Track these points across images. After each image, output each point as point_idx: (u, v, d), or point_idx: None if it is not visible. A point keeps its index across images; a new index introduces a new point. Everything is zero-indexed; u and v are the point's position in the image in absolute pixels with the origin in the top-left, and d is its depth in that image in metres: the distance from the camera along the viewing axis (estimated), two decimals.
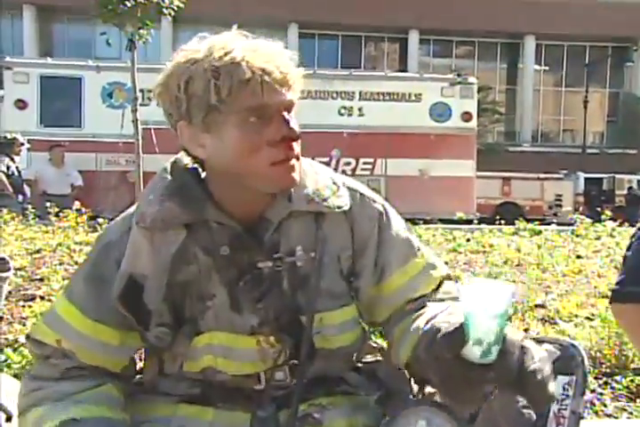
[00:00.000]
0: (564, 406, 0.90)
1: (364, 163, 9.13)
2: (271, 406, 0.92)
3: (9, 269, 1.12)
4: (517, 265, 3.90)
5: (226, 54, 0.79)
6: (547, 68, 21.60)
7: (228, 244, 0.88)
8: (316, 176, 0.95)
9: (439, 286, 0.97)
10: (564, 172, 14.53)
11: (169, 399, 0.94)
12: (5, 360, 1.87)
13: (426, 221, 6.55)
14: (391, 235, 0.96)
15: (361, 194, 0.98)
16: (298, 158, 0.86)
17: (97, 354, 0.91)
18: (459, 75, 9.64)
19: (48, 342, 0.91)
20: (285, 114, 0.83)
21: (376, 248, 0.95)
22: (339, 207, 0.92)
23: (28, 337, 0.95)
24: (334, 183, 0.95)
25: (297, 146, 0.86)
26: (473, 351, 0.73)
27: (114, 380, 0.93)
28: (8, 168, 6.55)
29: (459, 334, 0.71)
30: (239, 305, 0.90)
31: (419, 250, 0.98)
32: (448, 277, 1.00)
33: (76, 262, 3.25)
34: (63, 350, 0.90)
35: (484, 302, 0.73)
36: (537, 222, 6.14)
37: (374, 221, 0.96)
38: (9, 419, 1.17)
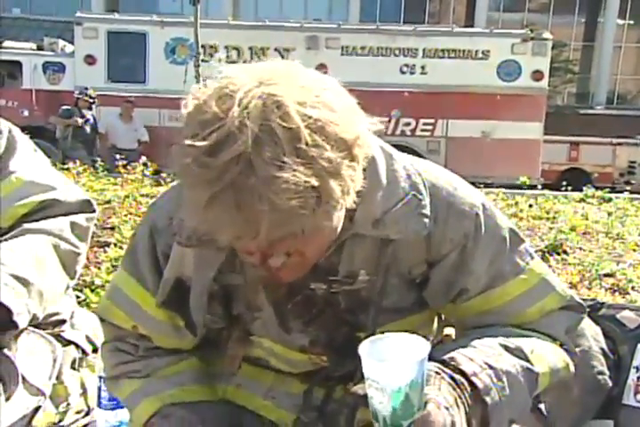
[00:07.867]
0: None
1: (425, 124, 8.84)
2: (328, 382, 0.90)
3: (94, 211, 1.17)
4: (584, 233, 3.73)
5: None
6: (631, 22, 19.78)
7: None
8: (388, 183, 0.76)
9: (545, 315, 0.83)
10: None
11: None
12: (85, 300, 2.04)
13: (486, 185, 6.35)
14: (475, 260, 0.80)
15: (449, 203, 0.80)
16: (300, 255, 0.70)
17: (172, 339, 0.91)
18: (531, 30, 9.06)
19: (124, 327, 0.92)
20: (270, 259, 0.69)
21: (451, 269, 0.81)
22: (414, 232, 0.77)
23: (102, 320, 0.94)
24: (415, 189, 0.78)
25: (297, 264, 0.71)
26: (374, 424, 0.62)
27: (192, 353, 0.94)
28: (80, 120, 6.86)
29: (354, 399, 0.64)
30: (287, 325, 0.86)
31: (517, 274, 0.82)
32: (570, 308, 0.85)
33: (144, 213, 3.39)
34: (139, 334, 0.91)
35: (378, 372, 0.57)
36: (606, 190, 5.80)
37: (458, 244, 0.80)
38: (95, 350, 1.26)
